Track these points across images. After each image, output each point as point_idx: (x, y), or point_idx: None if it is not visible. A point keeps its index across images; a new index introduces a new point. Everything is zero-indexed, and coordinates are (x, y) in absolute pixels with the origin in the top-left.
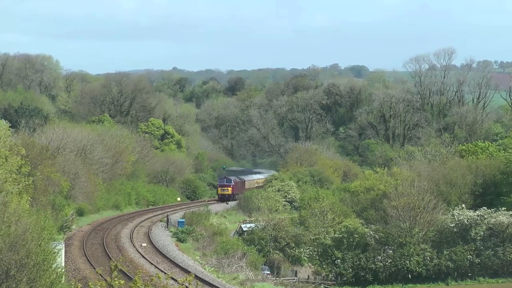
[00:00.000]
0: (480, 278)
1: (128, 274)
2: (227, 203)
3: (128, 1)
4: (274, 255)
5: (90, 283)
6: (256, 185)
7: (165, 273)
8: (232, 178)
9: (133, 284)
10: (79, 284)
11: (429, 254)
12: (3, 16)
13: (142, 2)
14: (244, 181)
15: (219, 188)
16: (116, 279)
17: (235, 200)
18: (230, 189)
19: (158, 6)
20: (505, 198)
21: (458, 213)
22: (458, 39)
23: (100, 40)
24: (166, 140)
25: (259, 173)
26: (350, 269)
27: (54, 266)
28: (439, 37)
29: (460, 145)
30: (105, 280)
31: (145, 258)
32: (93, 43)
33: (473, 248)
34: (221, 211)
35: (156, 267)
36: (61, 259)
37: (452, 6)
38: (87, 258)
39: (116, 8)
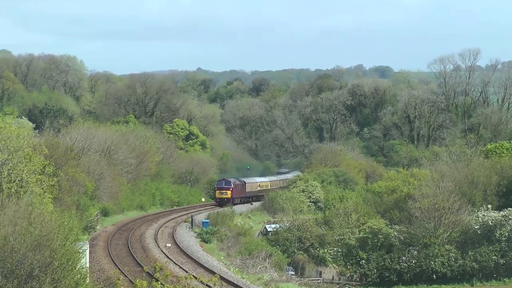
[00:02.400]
0: (505, 279)
1: (153, 275)
2: (251, 203)
3: (153, 1)
4: (299, 255)
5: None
6: (258, 188)
7: (194, 277)
8: (232, 180)
9: (159, 285)
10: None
11: (454, 255)
12: (28, 17)
13: (168, 3)
14: (245, 183)
15: (217, 191)
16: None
17: (234, 204)
18: (229, 192)
19: (183, 7)
20: None
21: (483, 214)
22: (483, 39)
23: (125, 41)
24: (190, 141)
25: (264, 175)
26: (375, 270)
27: (78, 266)
28: (464, 37)
29: (487, 145)
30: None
31: (169, 258)
32: (117, 43)
33: (498, 249)
34: (245, 212)
35: (180, 267)
36: (85, 260)
37: (476, 6)
38: (112, 259)
39: (141, 8)
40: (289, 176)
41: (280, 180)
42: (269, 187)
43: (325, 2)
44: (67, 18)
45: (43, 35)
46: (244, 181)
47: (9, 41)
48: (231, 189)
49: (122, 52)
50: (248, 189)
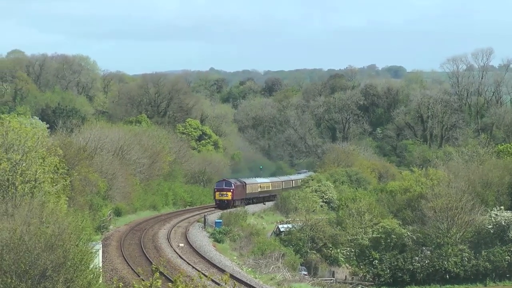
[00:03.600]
0: None
1: (166, 275)
2: (264, 203)
3: (167, 1)
4: (312, 255)
5: (134, 282)
6: (259, 189)
7: (205, 275)
8: (232, 181)
9: (173, 285)
10: (120, 283)
11: (467, 254)
12: (41, 17)
13: (181, 3)
14: (245, 184)
15: (217, 193)
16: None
17: (235, 207)
18: (230, 194)
19: (197, 7)
20: None
21: (496, 214)
22: (496, 39)
23: (138, 41)
24: (203, 141)
25: (265, 176)
26: (388, 270)
27: (91, 266)
28: (476, 37)
29: (498, 146)
30: (143, 280)
31: (182, 258)
32: (130, 43)
33: (511, 249)
34: (258, 212)
35: (193, 267)
36: (98, 260)
37: (489, 6)
38: (125, 259)
39: (154, 8)
40: (293, 177)
41: (282, 182)
42: (270, 188)
43: (337, 2)
44: (81, 18)
45: (56, 35)
46: (245, 182)
47: (22, 41)
48: (231, 190)
49: (135, 52)
50: (248, 190)
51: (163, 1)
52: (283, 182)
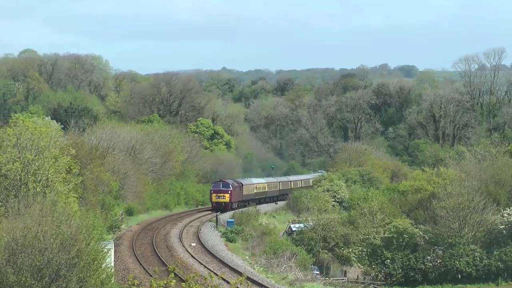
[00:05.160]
0: None
1: (178, 275)
2: (276, 203)
3: (183, 1)
4: (323, 255)
5: (152, 281)
6: (255, 190)
7: (216, 274)
8: (230, 182)
9: (186, 285)
10: (136, 281)
11: (479, 254)
12: (57, 17)
13: (197, 2)
14: (242, 185)
15: (214, 195)
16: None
17: (232, 209)
18: (227, 195)
19: (212, 7)
20: None
21: (508, 214)
22: (508, 38)
23: (150, 40)
24: (215, 140)
25: (261, 177)
26: (400, 270)
27: (104, 266)
28: (489, 36)
29: (511, 145)
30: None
31: (194, 258)
32: (142, 43)
33: None
34: (270, 211)
35: (205, 267)
36: (110, 259)
37: (503, 5)
38: (137, 258)
39: (169, 8)
40: (292, 178)
41: (279, 182)
42: (266, 190)
43: (362, 2)
44: (95, 18)
45: (69, 35)
46: (241, 183)
47: (36, 41)
48: (229, 192)
49: (147, 51)
50: (245, 191)
51: (180, 1)
52: (280, 183)
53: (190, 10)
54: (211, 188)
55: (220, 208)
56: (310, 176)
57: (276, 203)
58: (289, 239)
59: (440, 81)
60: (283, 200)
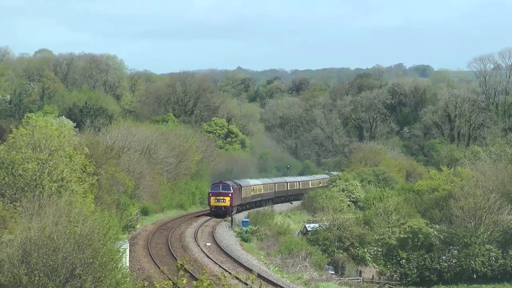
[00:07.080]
0: None
1: (192, 274)
2: (291, 203)
3: (201, 1)
4: (339, 255)
5: (154, 282)
6: (252, 193)
7: (229, 273)
8: (230, 183)
9: (199, 284)
10: (145, 282)
11: (495, 254)
12: (73, 17)
13: (216, 2)
14: (241, 187)
15: (213, 198)
16: (182, 278)
17: (233, 214)
18: (227, 199)
19: (231, 7)
20: None
21: None
22: None
23: (165, 40)
24: (229, 139)
25: (258, 178)
26: (415, 269)
27: (119, 265)
28: (504, 36)
29: None
30: (170, 279)
31: (209, 257)
32: (158, 43)
33: None
34: (285, 211)
35: (220, 266)
36: (125, 259)
37: None
38: (152, 258)
39: (187, 8)
40: (289, 179)
41: (275, 184)
42: (262, 192)
43: (381, 1)
44: (110, 17)
45: (85, 34)
46: (240, 185)
47: (51, 40)
48: (230, 194)
49: (162, 51)
50: (243, 194)
51: (198, 1)
52: (276, 184)
53: (207, 10)
54: (210, 191)
55: (219, 213)
56: (310, 178)
57: (291, 203)
58: (304, 239)
59: (455, 81)
60: (279, 202)
